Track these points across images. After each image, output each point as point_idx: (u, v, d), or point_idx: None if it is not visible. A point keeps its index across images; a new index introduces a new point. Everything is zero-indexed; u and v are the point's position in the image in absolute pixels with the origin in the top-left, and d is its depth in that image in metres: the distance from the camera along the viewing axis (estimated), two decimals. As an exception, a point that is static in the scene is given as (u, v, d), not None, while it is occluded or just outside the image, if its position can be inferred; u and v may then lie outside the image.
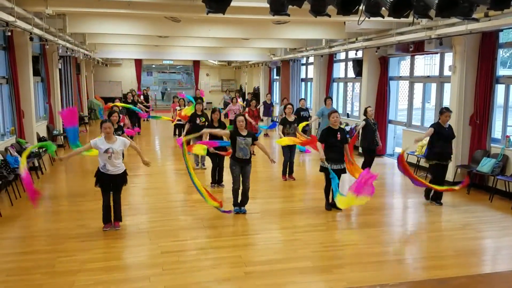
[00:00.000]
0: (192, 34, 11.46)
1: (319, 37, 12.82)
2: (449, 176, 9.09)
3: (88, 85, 22.10)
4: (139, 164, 10.93)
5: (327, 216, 7.20)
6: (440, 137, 7.45)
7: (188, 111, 11.47)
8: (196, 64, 27.70)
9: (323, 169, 7.35)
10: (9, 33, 7.04)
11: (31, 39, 8.07)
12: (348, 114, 14.70)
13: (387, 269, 5.25)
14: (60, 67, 13.73)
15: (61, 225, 6.77)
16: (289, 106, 9.47)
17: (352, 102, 15.16)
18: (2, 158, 8.39)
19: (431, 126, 7.61)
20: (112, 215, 6.43)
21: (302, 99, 13.41)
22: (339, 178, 7.43)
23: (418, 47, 10.37)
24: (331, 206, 7.42)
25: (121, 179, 6.37)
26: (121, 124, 8.41)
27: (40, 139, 11.36)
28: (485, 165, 8.21)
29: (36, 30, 8.05)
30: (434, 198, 7.83)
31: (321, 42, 14.21)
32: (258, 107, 14.50)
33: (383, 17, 5.01)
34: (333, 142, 7.23)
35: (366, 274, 5.07)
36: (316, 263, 5.40)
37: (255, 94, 22.85)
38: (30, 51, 10.18)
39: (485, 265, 5.60)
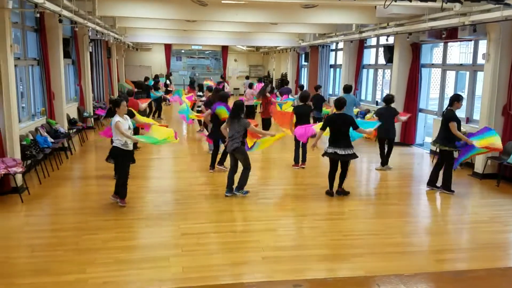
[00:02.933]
0: (219, 18, 11.41)
1: (349, 22, 12.54)
2: (478, 167, 8.85)
3: (119, 69, 22.42)
4: (163, 147, 11.11)
5: (347, 204, 7.11)
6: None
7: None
8: (225, 49, 27.67)
9: (325, 153, 7.28)
10: (38, 15, 7.16)
11: (60, 21, 8.20)
12: (377, 102, 14.41)
13: (406, 260, 5.15)
14: (90, 50, 13.97)
15: (86, 204, 6.94)
16: None
17: (382, 90, 14.85)
18: (32, 138, 8.63)
19: (453, 119, 7.47)
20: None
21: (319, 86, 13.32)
22: (346, 164, 7.35)
23: (451, 34, 10.03)
24: (333, 193, 7.42)
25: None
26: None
27: (70, 121, 11.64)
28: (517, 157, 7.92)
29: (65, 12, 8.16)
30: (447, 187, 7.67)
31: (351, 27, 13.92)
32: (276, 92, 14.34)
33: (410, 0, 4.84)
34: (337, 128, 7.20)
35: (383, 264, 5.00)
36: (334, 251, 5.35)
37: (282, 80, 22.68)
38: (61, 34, 10.38)
39: (510, 259, 5.42)
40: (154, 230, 5.92)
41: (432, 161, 10.43)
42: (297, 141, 9.16)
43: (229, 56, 28.31)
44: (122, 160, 6.67)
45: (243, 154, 7.16)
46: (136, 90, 13.07)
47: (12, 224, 6.10)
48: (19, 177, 7.24)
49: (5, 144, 7.17)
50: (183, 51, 29.29)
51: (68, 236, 5.63)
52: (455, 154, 7.86)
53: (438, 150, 7.91)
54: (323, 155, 7.39)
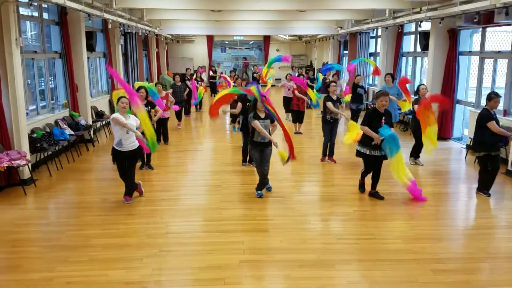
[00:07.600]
0: (240, 7, 11.09)
1: (381, 7, 11.81)
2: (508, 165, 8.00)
3: (161, 61, 22.71)
4: (180, 141, 11.01)
5: (355, 204, 6.61)
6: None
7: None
8: (266, 39, 27.26)
9: (360, 154, 6.74)
10: (31, 7, 7.14)
11: (66, 13, 8.18)
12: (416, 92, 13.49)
13: (398, 269, 4.63)
14: (122, 43, 14.10)
15: (86, 198, 6.94)
16: (332, 84, 8.84)
17: (420, 79, 13.92)
18: (48, 130, 8.77)
19: (489, 119, 6.56)
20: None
21: (358, 75, 12.63)
22: (380, 165, 6.77)
23: (489, 18, 9.13)
24: (364, 190, 6.97)
25: (136, 154, 6.44)
26: (150, 99, 8.28)
27: (97, 113, 11.80)
28: (554, 155, 7.03)
29: (70, 4, 8.03)
30: (481, 188, 6.92)
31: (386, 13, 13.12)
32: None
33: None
34: (377, 127, 6.52)
35: (370, 273, 4.53)
36: (321, 257, 4.92)
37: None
38: (83, 27, 10.46)
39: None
40: (140, 228, 5.74)
41: (466, 157, 9.61)
42: (326, 132, 8.78)
43: (272, 46, 27.84)
44: (115, 160, 6.49)
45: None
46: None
47: (5, 217, 6.13)
48: (26, 170, 7.37)
49: (12, 137, 7.30)
50: (226, 42, 29.21)
51: (53, 232, 5.60)
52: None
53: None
54: (357, 155, 6.86)
